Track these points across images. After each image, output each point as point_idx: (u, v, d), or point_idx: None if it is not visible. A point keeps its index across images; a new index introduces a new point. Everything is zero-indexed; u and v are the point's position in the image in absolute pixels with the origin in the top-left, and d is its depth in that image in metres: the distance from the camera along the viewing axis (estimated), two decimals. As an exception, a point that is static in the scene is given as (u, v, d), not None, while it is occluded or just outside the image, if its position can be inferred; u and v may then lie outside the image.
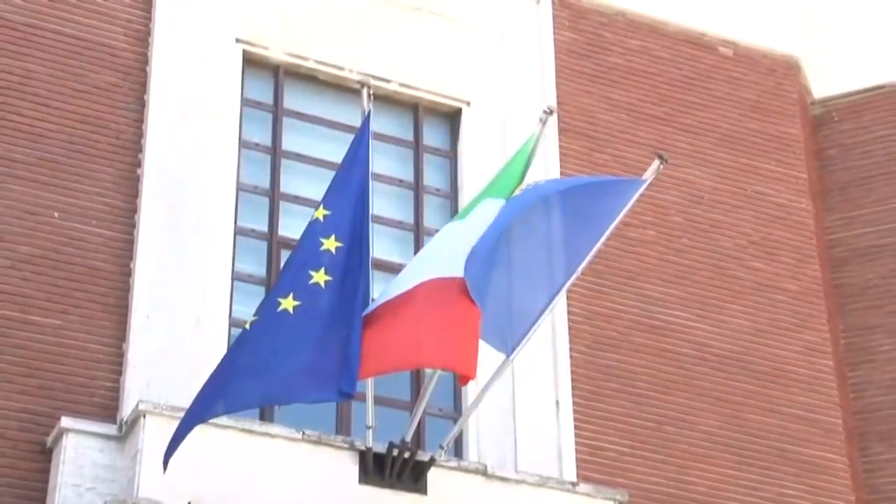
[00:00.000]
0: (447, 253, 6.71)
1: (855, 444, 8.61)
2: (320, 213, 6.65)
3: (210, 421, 6.36)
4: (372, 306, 6.59)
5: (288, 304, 6.35)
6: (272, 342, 6.32)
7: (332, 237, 6.55)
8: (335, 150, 8.08)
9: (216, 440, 6.43)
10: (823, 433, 8.42)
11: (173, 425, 6.28)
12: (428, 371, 7.21)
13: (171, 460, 6.15)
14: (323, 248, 6.52)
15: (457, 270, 6.44)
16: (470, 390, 7.58)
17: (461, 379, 6.54)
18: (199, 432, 6.27)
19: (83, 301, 6.97)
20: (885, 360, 8.95)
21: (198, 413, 6.20)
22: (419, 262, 7.03)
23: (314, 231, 6.62)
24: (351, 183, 6.79)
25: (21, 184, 7.09)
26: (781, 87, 9.76)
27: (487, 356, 6.71)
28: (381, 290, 6.93)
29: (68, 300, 6.92)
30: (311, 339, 6.55)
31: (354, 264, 6.68)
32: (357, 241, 6.75)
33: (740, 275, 8.84)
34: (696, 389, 8.29)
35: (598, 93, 9.10)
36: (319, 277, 6.44)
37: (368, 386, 6.70)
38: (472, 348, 6.39)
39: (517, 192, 6.87)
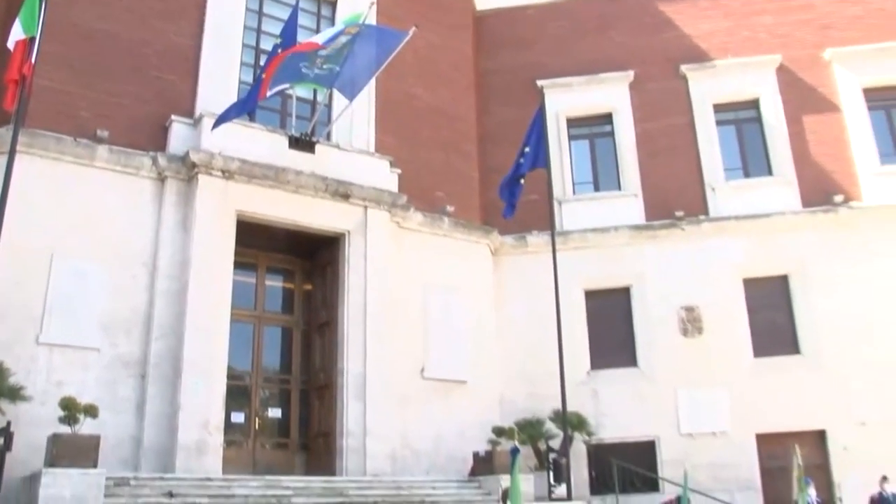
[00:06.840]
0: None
1: (483, 145, 14.55)
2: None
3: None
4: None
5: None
6: None
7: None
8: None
9: (224, 129, 11.27)
10: (466, 132, 14.50)
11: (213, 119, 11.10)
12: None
13: (214, 131, 10.97)
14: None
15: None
16: (335, 113, 12.66)
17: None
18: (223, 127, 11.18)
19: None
20: (499, 123, 15.09)
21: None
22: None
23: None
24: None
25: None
26: (466, 6, 15.99)
27: (344, 101, 12.08)
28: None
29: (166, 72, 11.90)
30: None
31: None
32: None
33: (441, 88, 14.70)
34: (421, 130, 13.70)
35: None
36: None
37: (293, 103, 11.98)
38: None
39: (358, 28, 11.26)
